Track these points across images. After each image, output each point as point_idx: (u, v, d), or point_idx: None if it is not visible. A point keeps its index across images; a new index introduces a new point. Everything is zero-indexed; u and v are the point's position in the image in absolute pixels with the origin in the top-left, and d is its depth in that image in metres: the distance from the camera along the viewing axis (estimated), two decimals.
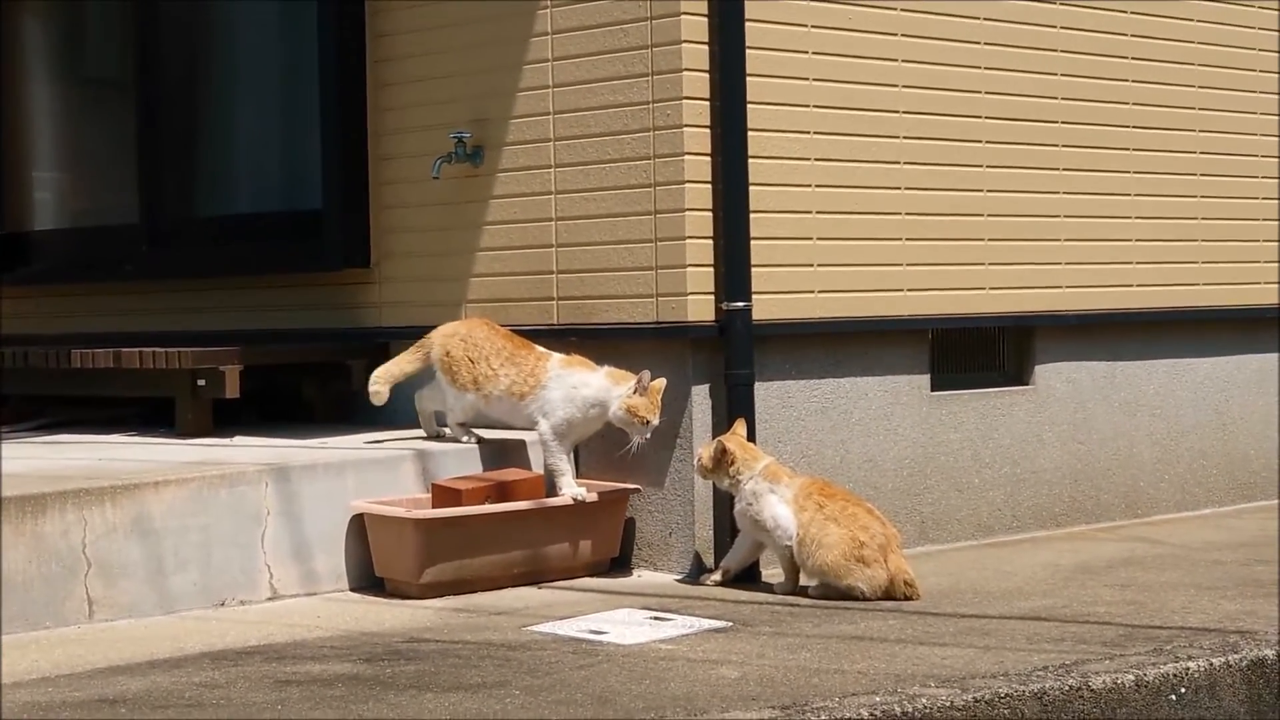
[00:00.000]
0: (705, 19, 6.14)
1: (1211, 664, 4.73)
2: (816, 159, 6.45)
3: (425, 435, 6.46)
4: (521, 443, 6.36)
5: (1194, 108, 7.73)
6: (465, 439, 6.32)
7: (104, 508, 5.42)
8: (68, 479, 5.59)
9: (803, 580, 5.82)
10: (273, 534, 5.76)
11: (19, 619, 5.23)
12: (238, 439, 6.70)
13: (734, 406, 6.11)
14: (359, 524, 5.93)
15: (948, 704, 4.29)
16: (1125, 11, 7.45)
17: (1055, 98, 7.20)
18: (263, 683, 4.54)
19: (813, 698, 4.30)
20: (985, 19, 6.96)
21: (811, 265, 6.43)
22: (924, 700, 4.28)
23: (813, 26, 6.45)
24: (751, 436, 6.02)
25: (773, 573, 5.98)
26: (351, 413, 7.22)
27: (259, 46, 7.92)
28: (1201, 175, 7.76)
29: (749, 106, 6.18)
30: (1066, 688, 4.46)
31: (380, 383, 6.39)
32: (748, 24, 6.19)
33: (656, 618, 5.42)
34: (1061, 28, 7.22)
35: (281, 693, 4.42)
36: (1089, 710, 4.48)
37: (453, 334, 6.33)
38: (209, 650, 5.00)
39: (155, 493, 5.53)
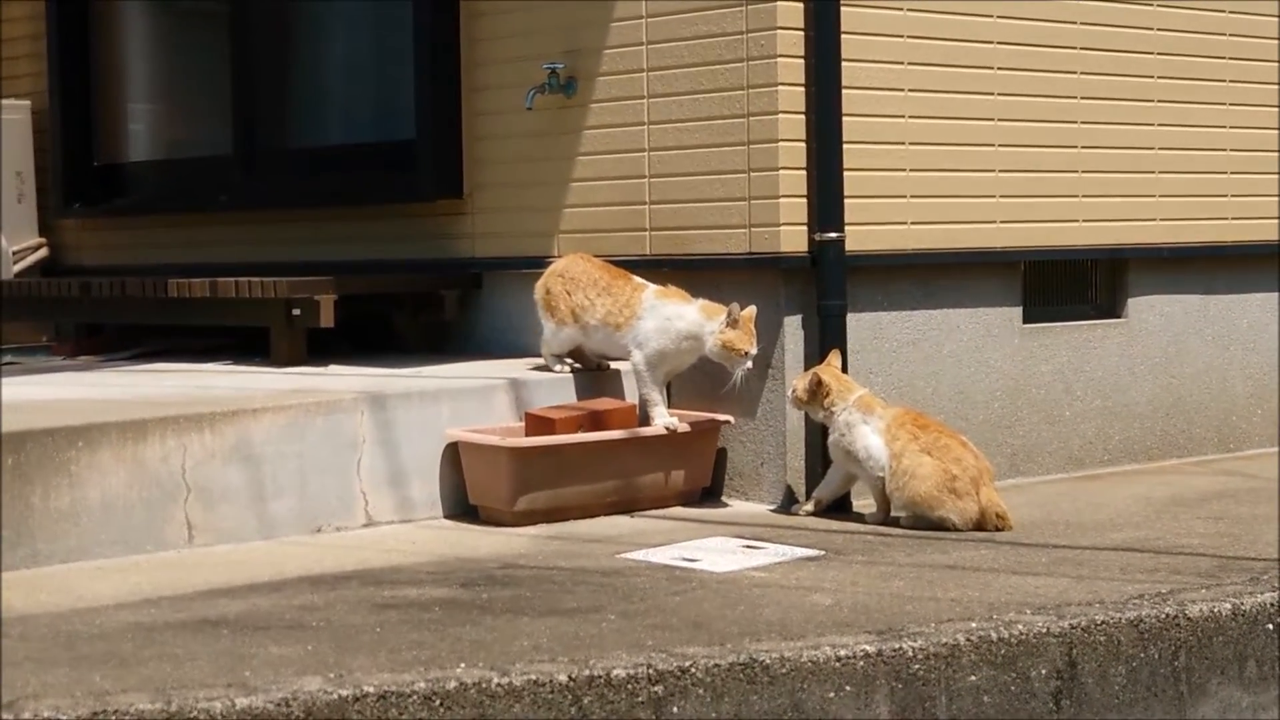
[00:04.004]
0: None
1: None
2: (910, 90, 6.42)
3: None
4: (615, 372, 6.38)
5: None
6: (558, 368, 6.35)
7: (203, 434, 5.47)
8: (167, 405, 5.63)
9: (894, 511, 5.84)
10: (368, 461, 5.81)
11: (119, 543, 5.30)
12: (332, 368, 6.74)
13: (826, 338, 6.11)
14: (453, 452, 5.97)
15: (1044, 631, 4.30)
16: None
17: (1150, 28, 7.14)
18: (361, 606, 4.59)
19: (908, 624, 4.31)
20: None
21: (904, 196, 6.41)
22: (1020, 627, 4.29)
23: None
24: (844, 368, 6.03)
25: (864, 503, 6.00)
26: (444, 343, 7.27)
27: None
28: None
29: (843, 37, 6.16)
30: (1163, 615, 4.46)
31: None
32: None
33: (749, 546, 5.44)
34: None
35: (380, 615, 4.46)
36: (1185, 638, 4.48)
37: (551, 272, 6.36)
38: (307, 574, 5.05)
39: (253, 420, 5.58)
